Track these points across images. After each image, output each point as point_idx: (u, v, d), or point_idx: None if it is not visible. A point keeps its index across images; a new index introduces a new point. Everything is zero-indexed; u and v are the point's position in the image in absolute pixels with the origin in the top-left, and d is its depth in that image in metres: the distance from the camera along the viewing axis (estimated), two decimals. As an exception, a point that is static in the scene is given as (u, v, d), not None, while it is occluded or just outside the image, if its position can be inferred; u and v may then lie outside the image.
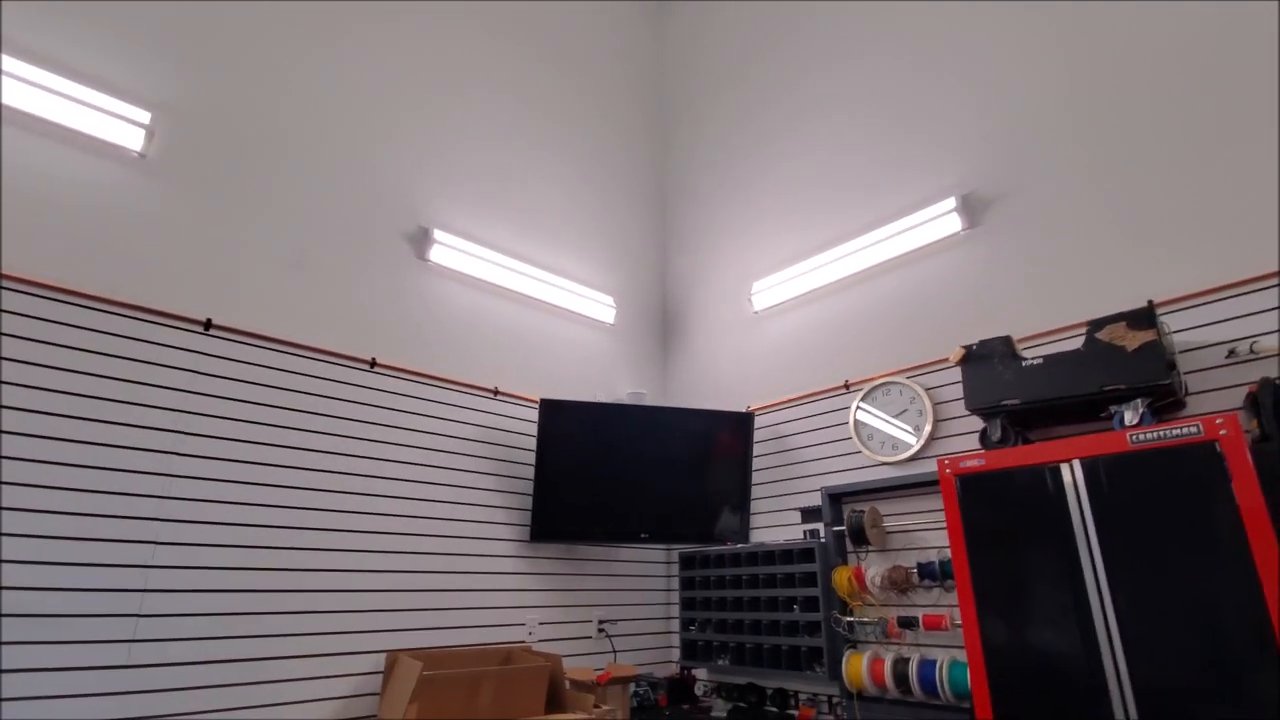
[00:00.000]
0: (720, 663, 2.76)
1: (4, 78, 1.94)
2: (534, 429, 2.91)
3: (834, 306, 3.05)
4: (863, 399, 2.76)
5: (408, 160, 2.93)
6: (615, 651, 2.91)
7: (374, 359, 2.57)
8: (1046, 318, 2.34)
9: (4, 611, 1.68)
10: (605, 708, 2.22)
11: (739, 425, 3.00)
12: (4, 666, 1.66)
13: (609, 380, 3.46)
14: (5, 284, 1.84)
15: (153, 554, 1.93)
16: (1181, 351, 2.03)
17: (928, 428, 2.53)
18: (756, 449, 3.09)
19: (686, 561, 3.06)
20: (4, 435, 1.77)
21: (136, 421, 1.98)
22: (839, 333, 2.99)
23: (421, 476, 2.58)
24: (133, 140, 2.17)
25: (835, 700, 2.48)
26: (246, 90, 2.49)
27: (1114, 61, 2.38)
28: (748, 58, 3.87)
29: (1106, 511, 1.71)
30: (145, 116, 2.20)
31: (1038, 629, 1.76)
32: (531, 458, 2.87)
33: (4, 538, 1.72)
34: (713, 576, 2.92)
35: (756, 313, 3.36)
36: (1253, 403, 1.76)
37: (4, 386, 1.79)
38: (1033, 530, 1.82)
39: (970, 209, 2.66)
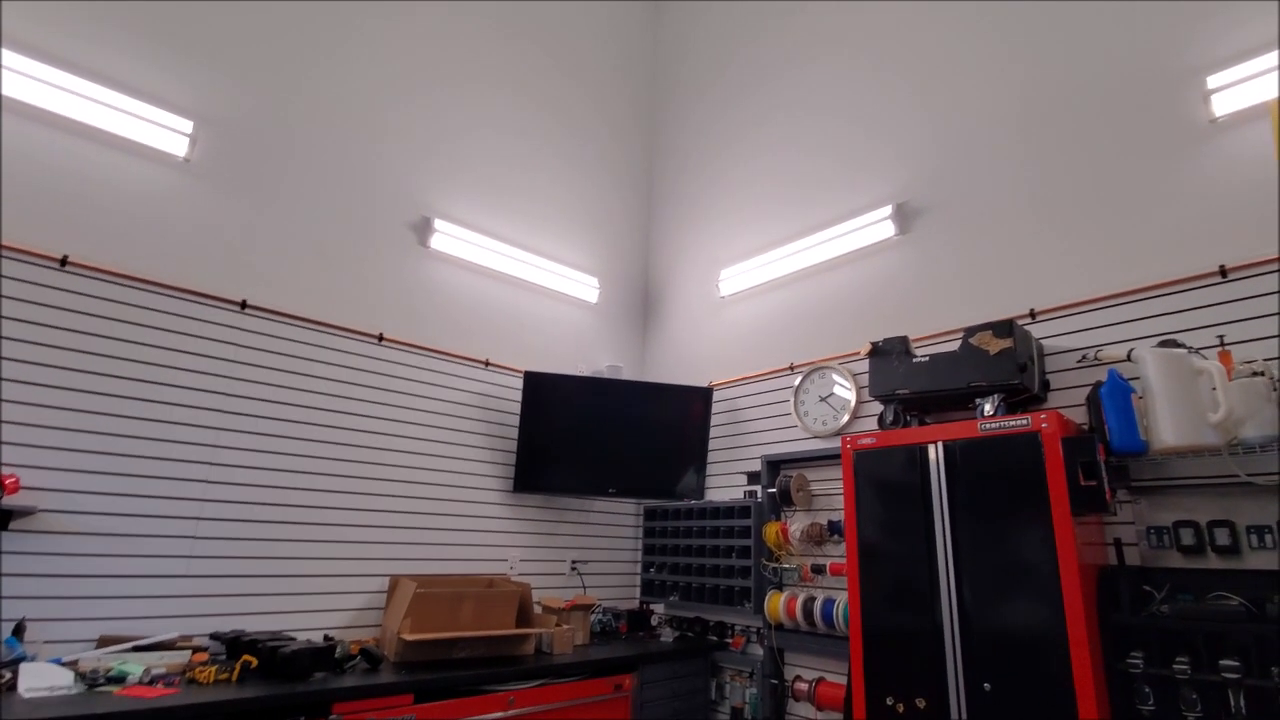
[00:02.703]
0: (672, 599, 3.27)
1: (72, 95, 2.37)
2: (518, 395, 3.37)
3: (787, 296, 3.42)
4: (802, 380, 3.17)
5: (412, 156, 3.32)
6: (584, 587, 3.44)
7: (381, 334, 3.02)
8: (954, 318, 2.71)
9: (105, 531, 2.21)
10: (565, 626, 2.73)
11: (700, 398, 3.43)
12: (108, 572, 2.19)
13: (591, 354, 3.90)
14: (76, 269, 2.31)
15: (205, 490, 2.44)
16: (1051, 354, 2.41)
17: (852, 408, 2.94)
18: (714, 419, 3.53)
19: (649, 514, 3.56)
20: (87, 394, 2.26)
21: (188, 384, 2.47)
22: (790, 320, 3.38)
23: (422, 434, 3.06)
24: (178, 147, 2.59)
25: (759, 630, 2.98)
26: (272, 100, 2.89)
27: (1037, 93, 2.68)
28: (728, 55, 4.15)
29: (957, 482, 2.13)
30: (188, 126, 2.62)
31: (898, 569, 2.20)
32: (515, 419, 3.33)
33: (101, 475, 2.23)
34: (670, 527, 3.41)
35: (723, 298, 3.75)
36: (1089, 400, 2.15)
37: (82, 356, 2.28)
38: (903, 495, 2.24)
39: (903, 217, 3.00)
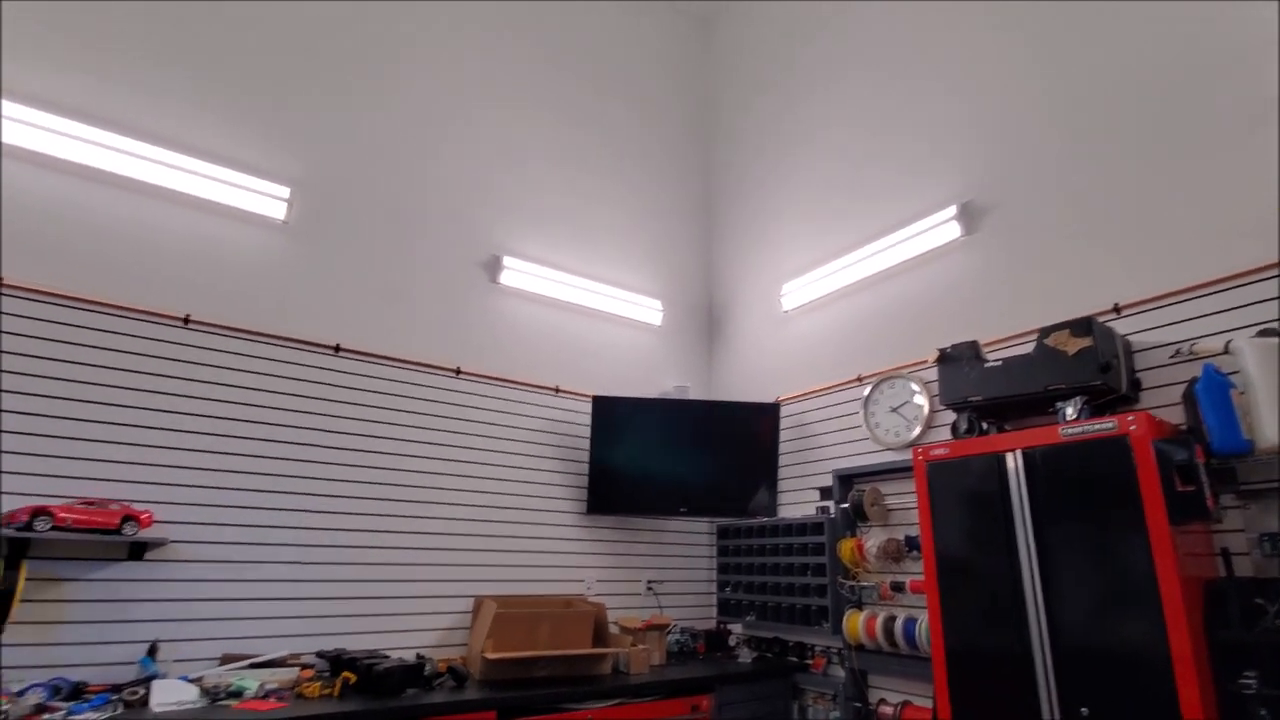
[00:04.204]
0: (749, 619, 3.24)
1: (188, 174, 2.70)
2: (589, 419, 3.46)
3: (852, 306, 3.36)
4: (871, 391, 3.09)
5: (479, 198, 3.53)
6: (660, 607, 3.46)
7: (459, 368, 3.21)
8: (1027, 319, 2.58)
9: (224, 559, 2.46)
10: (642, 646, 2.77)
11: (768, 414, 3.41)
12: (227, 595, 2.44)
13: (657, 376, 3.96)
14: (197, 326, 2.61)
15: (309, 519, 2.67)
16: (1140, 350, 2.25)
17: (925, 417, 2.84)
18: (783, 435, 3.49)
19: (723, 532, 3.55)
20: (207, 436, 2.54)
21: (292, 423, 2.72)
22: (855, 330, 3.31)
23: (499, 461, 3.21)
24: (278, 211, 2.89)
25: (840, 651, 2.89)
26: (352, 160, 3.16)
27: (1099, 81, 2.54)
28: (779, 67, 4.16)
29: (1039, 492, 2.02)
30: (286, 192, 2.91)
31: (980, 586, 2.10)
32: (586, 443, 3.43)
33: (220, 509, 2.49)
34: (743, 545, 3.39)
35: (786, 312, 3.72)
36: (1185, 399, 1.99)
37: (202, 403, 2.56)
38: (982, 508, 2.15)
39: (969, 216, 2.90)
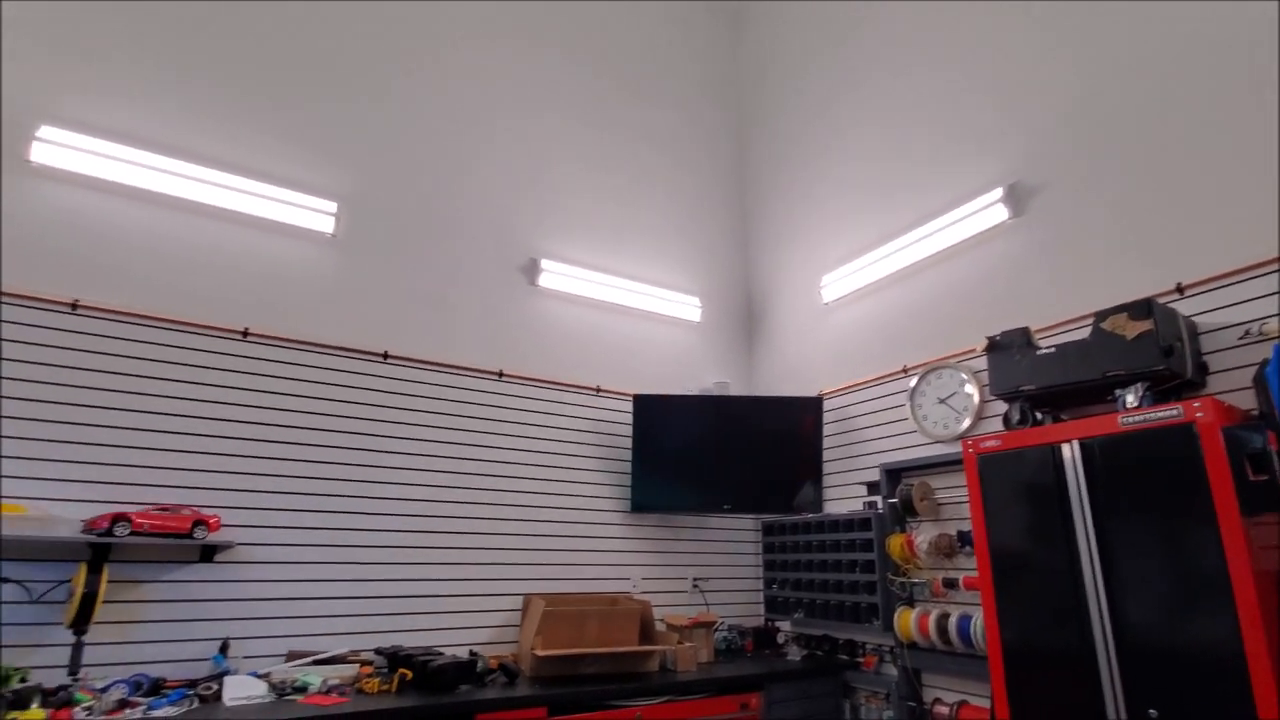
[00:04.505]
0: (797, 616, 3.20)
1: (244, 194, 2.82)
2: (630, 418, 3.48)
3: (894, 296, 3.28)
4: (918, 382, 3.01)
5: (515, 203, 3.58)
6: (707, 604, 3.45)
7: (501, 370, 3.27)
8: (1081, 303, 2.47)
9: (287, 560, 2.58)
10: (688, 644, 2.77)
11: (810, 409, 3.36)
12: (290, 595, 2.55)
13: (697, 372, 3.95)
14: (255, 339, 2.73)
15: (364, 521, 2.76)
16: (1207, 332, 2.13)
17: (975, 408, 2.75)
18: (826, 429, 3.44)
19: (768, 529, 3.52)
20: (267, 444, 2.66)
21: (345, 429, 2.82)
22: (898, 321, 3.24)
23: (543, 461, 3.26)
24: (326, 225, 2.99)
25: (892, 649, 2.83)
26: (398, 175, 3.25)
27: (1153, 48, 2.41)
28: (813, 57, 4.09)
29: (1098, 484, 1.94)
30: (333, 207, 3.02)
31: (1038, 582, 2.03)
32: (629, 442, 3.45)
33: (281, 512, 2.61)
34: (789, 542, 3.35)
35: (826, 304, 3.66)
36: (1256, 382, 1.87)
37: (261, 411, 2.68)
38: (1038, 501, 2.07)
39: (1016, 198, 2.79)
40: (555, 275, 3.55)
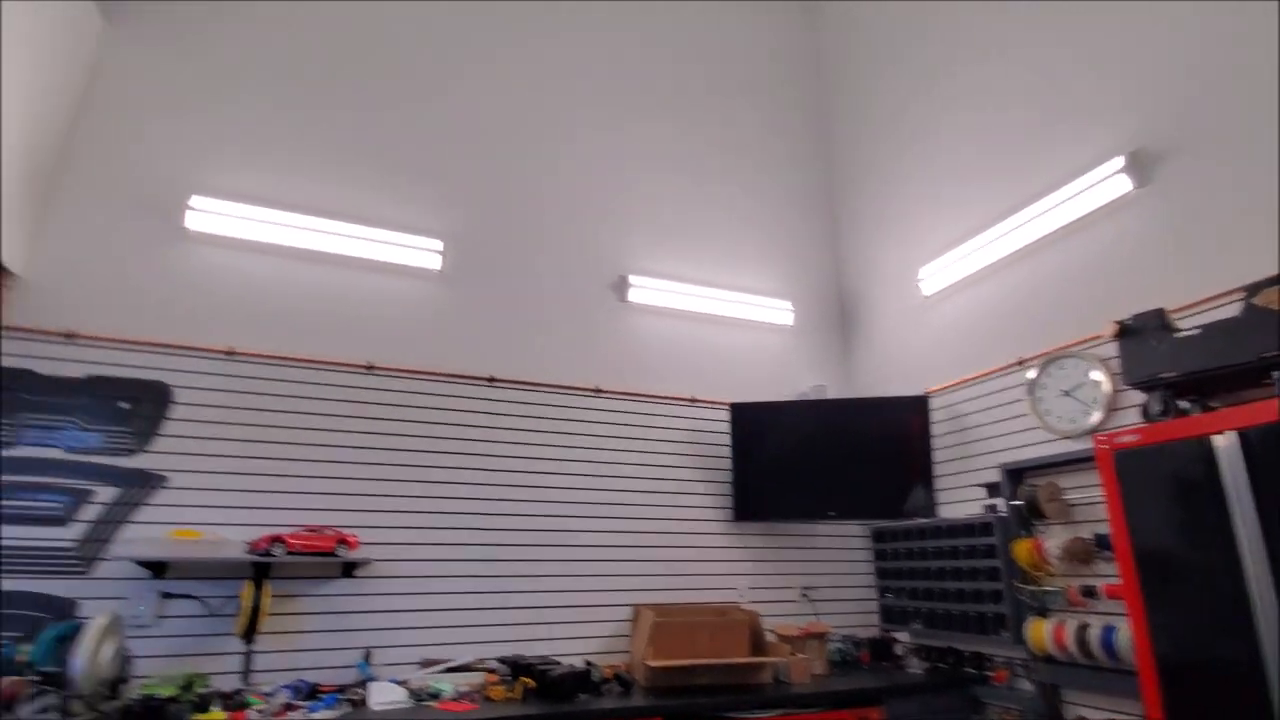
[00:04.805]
0: (916, 627, 3.06)
1: (365, 242, 3.09)
2: (728, 427, 3.47)
3: (1003, 283, 3.09)
4: (1038, 375, 2.81)
5: (603, 223, 3.69)
6: (817, 614, 3.37)
7: (598, 386, 3.37)
8: (1225, 277, 2.21)
9: (416, 574, 2.79)
10: (801, 655, 2.72)
11: (916, 408, 3.22)
12: (420, 606, 2.75)
13: (793, 377, 3.88)
14: (379, 371, 2.97)
15: (483, 536, 2.93)
16: (1390, 301, 1.85)
17: (1105, 400, 2.53)
18: (935, 429, 3.27)
19: (878, 535, 3.39)
20: (394, 467, 2.89)
21: (456, 450, 3.01)
22: (1009, 310, 3.04)
23: (643, 473, 3.32)
24: (433, 263, 3.22)
25: (1025, 663, 2.64)
26: (493, 208, 3.45)
27: (1292, -19, 2.14)
28: (901, 41, 3.93)
29: (1261, 479, 1.73)
30: (439, 245, 3.24)
31: (1193, 590, 1.83)
32: (728, 451, 3.44)
33: (410, 530, 2.82)
34: (902, 549, 3.22)
35: (926, 297, 3.49)
36: None
37: (386, 437, 2.91)
38: (1188, 500, 1.88)
39: (1140, 166, 2.55)
40: (644, 290, 3.61)
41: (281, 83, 3.16)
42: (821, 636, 2.89)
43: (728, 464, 3.46)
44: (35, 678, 1.99)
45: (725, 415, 3.55)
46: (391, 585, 2.74)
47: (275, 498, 2.65)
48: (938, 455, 3.27)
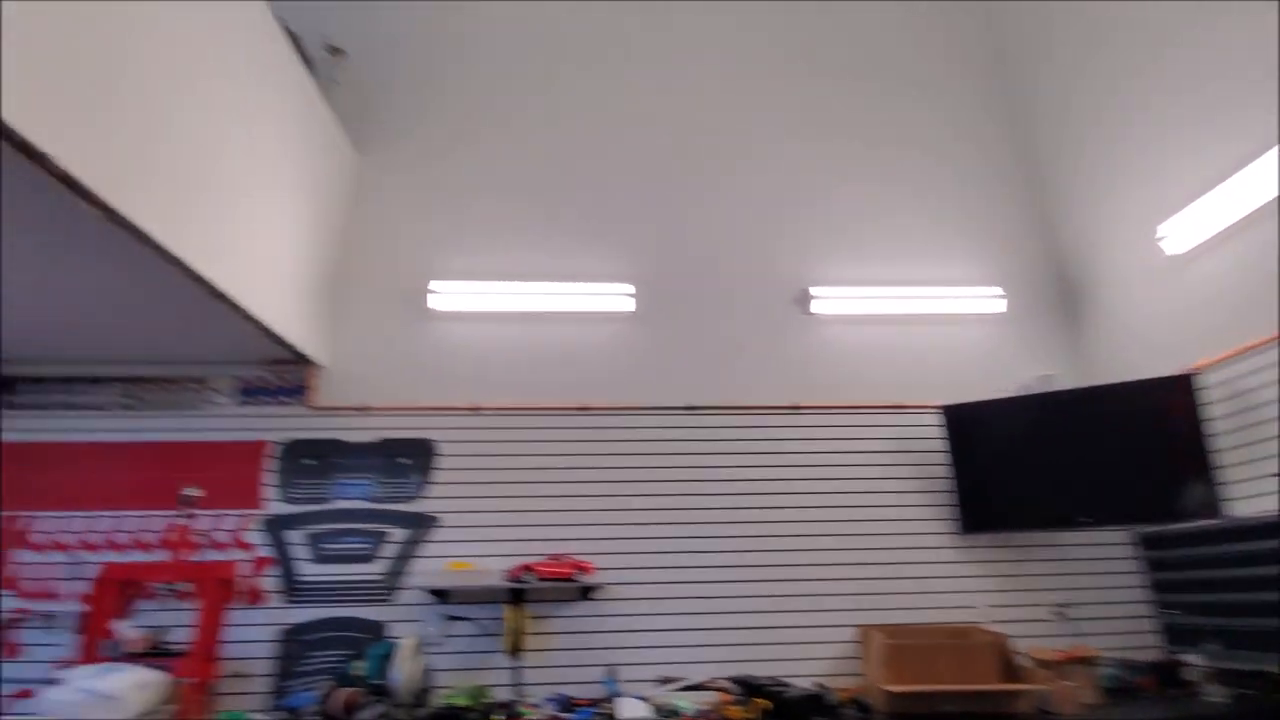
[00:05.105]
0: (1210, 647, 2.58)
1: (568, 296, 3.45)
2: (940, 432, 3.25)
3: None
4: (1350, 339, 2.27)
5: (783, 237, 3.70)
6: (1075, 635, 2.97)
7: (796, 403, 3.36)
8: None
9: (647, 596, 3.01)
10: (1065, 682, 2.44)
11: (1178, 389, 2.75)
12: (652, 627, 2.96)
13: (1013, 369, 3.48)
14: (590, 411, 3.27)
15: (709, 559, 3.08)
16: None
17: None
18: (1208, 411, 2.76)
19: (1149, 542, 2.93)
20: (614, 498, 3.15)
21: (669, 477, 3.19)
22: (1296, 262, 2.49)
23: (854, 487, 3.24)
24: (626, 305, 3.48)
25: (1385, 697, 2.10)
26: (675, 242, 3.65)
27: None
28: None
29: None
30: (631, 289, 3.48)
31: None
32: (943, 458, 3.21)
33: (638, 555, 3.06)
34: (1184, 557, 2.75)
35: (1171, 258, 2.98)
36: None
37: (601, 470, 3.19)
38: None
39: None
40: (828, 300, 3.54)
41: (498, 178, 3.67)
42: (1089, 661, 2.57)
43: (944, 472, 3.23)
44: (367, 689, 2.50)
45: (936, 419, 3.32)
46: (623, 607, 2.98)
47: (522, 530, 3.04)
48: (1217, 443, 2.75)
